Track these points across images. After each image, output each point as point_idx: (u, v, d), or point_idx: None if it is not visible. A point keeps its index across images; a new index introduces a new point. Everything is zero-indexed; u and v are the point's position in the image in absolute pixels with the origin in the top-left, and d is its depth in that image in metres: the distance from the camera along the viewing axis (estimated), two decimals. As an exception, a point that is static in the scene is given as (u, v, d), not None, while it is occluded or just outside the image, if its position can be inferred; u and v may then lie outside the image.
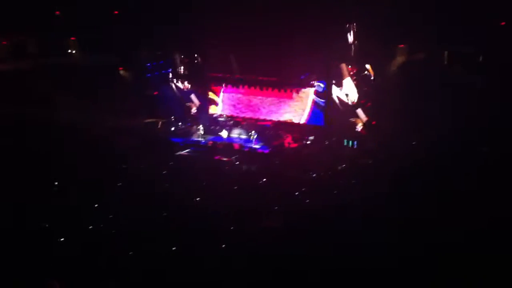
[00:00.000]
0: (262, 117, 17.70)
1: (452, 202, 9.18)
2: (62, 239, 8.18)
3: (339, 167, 13.50)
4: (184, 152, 16.35)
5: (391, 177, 11.05)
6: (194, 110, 18.71)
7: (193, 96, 18.74)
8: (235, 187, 11.27)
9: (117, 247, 7.93)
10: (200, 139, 17.42)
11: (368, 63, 15.63)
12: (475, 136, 12.84)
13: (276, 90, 17.43)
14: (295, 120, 17.30)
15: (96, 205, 9.80)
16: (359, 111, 15.98)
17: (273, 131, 17.16)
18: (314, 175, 12.82)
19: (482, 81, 13.67)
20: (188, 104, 18.73)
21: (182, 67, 18.69)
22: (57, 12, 15.61)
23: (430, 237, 7.82)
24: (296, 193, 10.96)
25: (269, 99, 17.60)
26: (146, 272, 7.19)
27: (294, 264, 7.14)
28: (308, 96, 16.98)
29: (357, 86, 15.94)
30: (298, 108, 17.24)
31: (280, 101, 17.49)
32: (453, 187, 10.09)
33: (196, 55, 18.45)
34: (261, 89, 17.64)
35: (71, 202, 9.76)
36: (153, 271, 7.23)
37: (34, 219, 8.75)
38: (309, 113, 17.07)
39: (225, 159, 15.29)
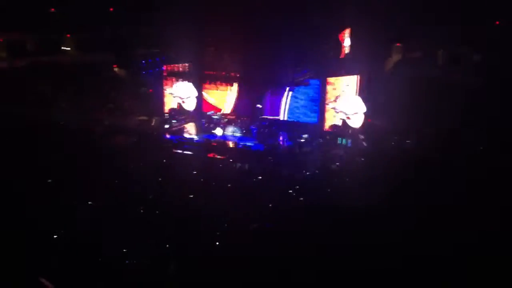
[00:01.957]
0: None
1: (447, 202, 9.20)
2: (55, 237, 8.18)
3: (333, 166, 13.54)
4: (178, 150, 16.33)
5: (385, 176, 11.08)
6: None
7: None
8: (229, 185, 11.28)
9: (109, 246, 7.92)
10: (194, 136, 17.41)
11: (363, 63, 15.66)
12: (470, 136, 12.90)
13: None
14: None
15: (89, 203, 9.79)
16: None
17: (268, 129, 17.19)
18: (308, 173, 12.85)
19: (478, 82, 13.75)
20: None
21: (176, 65, 18.68)
22: (52, 10, 15.58)
23: (425, 237, 7.84)
24: (290, 191, 10.99)
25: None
26: (138, 271, 7.20)
27: (287, 265, 7.15)
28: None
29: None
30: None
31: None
32: (448, 186, 10.10)
33: (190, 53, 18.40)
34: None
35: (64, 200, 9.72)
36: (145, 270, 7.24)
37: (27, 218, 8.72)
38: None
39: (219, 157, 15.29)
